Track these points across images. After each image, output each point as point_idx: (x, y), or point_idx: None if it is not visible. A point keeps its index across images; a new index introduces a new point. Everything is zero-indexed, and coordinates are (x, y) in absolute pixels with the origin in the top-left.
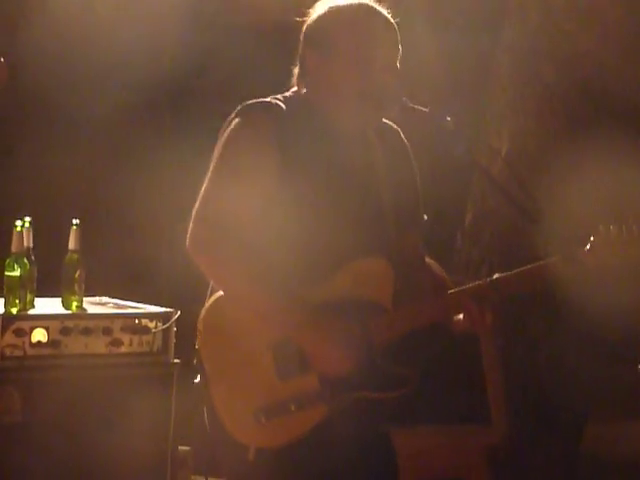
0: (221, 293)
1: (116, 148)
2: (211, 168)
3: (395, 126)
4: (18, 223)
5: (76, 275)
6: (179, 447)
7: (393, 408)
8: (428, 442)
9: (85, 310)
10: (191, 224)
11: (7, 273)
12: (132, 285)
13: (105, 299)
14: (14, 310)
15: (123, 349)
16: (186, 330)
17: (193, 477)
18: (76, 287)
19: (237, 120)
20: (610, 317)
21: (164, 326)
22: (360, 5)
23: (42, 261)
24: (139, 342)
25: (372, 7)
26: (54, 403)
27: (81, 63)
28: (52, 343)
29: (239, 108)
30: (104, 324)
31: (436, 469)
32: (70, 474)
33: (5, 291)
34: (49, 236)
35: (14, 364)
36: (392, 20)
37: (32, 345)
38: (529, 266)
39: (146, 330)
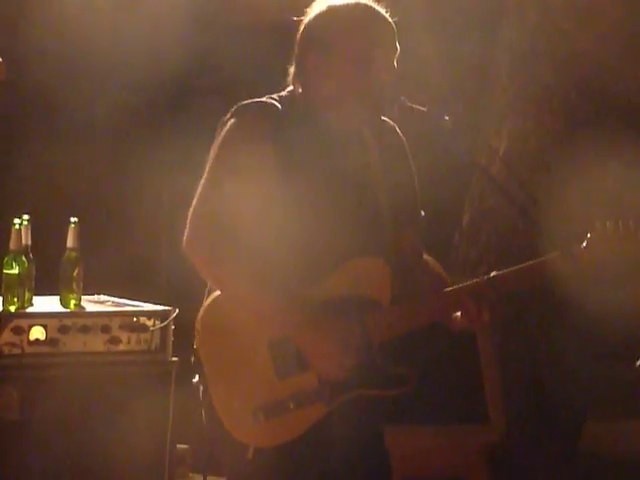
0: (219, 292)
1: (116, 147)
2: (207, 168)
3: (391, 122)
4: (17, 221)
5: (74, 273)
6: (177, 445)
7: (391, 407)
8: (426, 442)
9: (83, 308)
10: (187, 224)
11: (5, 271)
12: (131, 283)
13: (103, 297)
14: (12, 308)
15: (121, 347)
16: (184, 328)
17: (191, 475)
18: (74, 285)
19: (233, 120)
20: (609, 315)
21: (162, 324)
22: (358, 4)
23: (40, 259)
24: (137, 340)
25: (370, 6)
26: (52, 401)
27: (81, 63)
28: (50, 341)
29: (234, 108)
30: (102, 322)
31: (435, 469)
32: (68, 472)
33: (3, 289)
34: (48, 234)
35: (12, 362)
36: (390, 19)
37: (30, 343)
38: (526, 263)
39: (144, 328)
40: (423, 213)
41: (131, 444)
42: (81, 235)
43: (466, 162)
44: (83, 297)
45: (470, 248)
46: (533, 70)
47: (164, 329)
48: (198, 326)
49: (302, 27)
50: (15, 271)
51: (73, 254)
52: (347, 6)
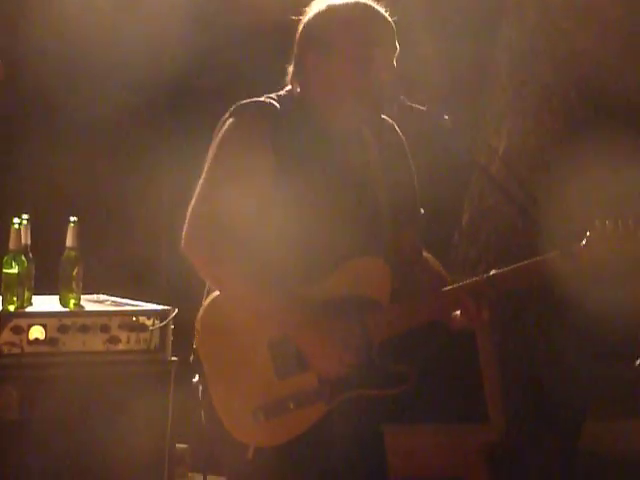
0: (218, 292)
1: (115, 147)
2: (206, 168)
3: (390, 120)
4: (16, 221)
5: (74, 273)
6: (176, 445)
7: (391, 407)
8: (426, 441)
9: (83, 308)
10: (186, 224)
11: (5, 270)
12: (131, 283)
13: (103, 297)
14: (12, 307)
15: (121, 347)
16: (184, 328)
17: (190, 475)
18: (74, 285)
19: (231, 120)
20: (608, 314)
21: (161, 324)
22: (357, 4)
23: (40, 259)
24: (136, 340)
25: (370, 5)
26: (52, 401)
27: (81, 63)
28: (50, 341)
29: (233, 108)
30: (102, 322)
31: (434, 468)
32: (68, 471)
33: (3, 289)
34: (47, 234)
35: (12, 362)
36: (389, 19)
37: (30, 343)
38: (525, 262)
39: (143, 328)
40: (422, 211)
41: (130, 443)
42: (81, 234)
43: (465, 161)
44: (82, 296)
45: (469, 247)
46: (533, 69)
47: (163, 328)
48: (198, 326)
49: (301, 26)
50: (14, 270)
51: (72, 253)
52: (346, 5)
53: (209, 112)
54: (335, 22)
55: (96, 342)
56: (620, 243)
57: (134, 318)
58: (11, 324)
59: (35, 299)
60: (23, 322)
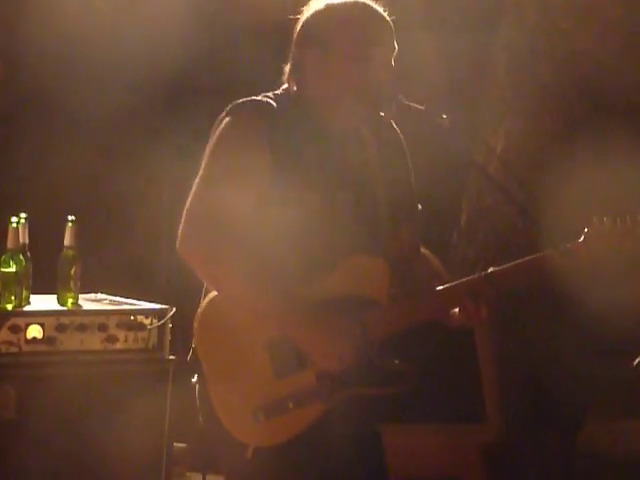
0: (216, 292)
1: (114, 146)
2: (202, 167)
3: (388, 118)
4: (14, 219)
5: (72, 272)
6: (174, 444)
7: (390, 406)
8: (424, 441)
9: (81, 306)
10: (182, 224)
11: (3, 269)
12: (129, 282)
13: (101, 296)
14: (9, 306)
15: (118, 345)
16: (182, 327)
17: (188, 474)
18: (72, 284)
19: (228, 119)
20: (609, 312)
21: (159, 323)
22: (356, 3)
23: (38, 257)
24: (134, 339)
25: (368, 5)
26: (49, 400)
27: (80, 62)
28: (47, 339)
29: (229, 107)
30: (99, 320)
31: (432, 468)
32: (65, 470)
33: (0, 287)
34: (45, 233)
35: (9, 360)
36: (388, 18)
37: (27, 341)
38: (524, 259)
39: (141, 327)
40: (420, 207)
41: (128, 443)
42: (79, 233)
43: (464, 161)
44: (80, 295)
45: (468, 247)
46: (532, 69)
47: (161, 327)
48: (196, 325)
49: (299, 25)
50: (12, 269)
51: (70, 252)
52: (345, 4)
53: (208, 112)
54: (333, 21)
55: (94, 341)
56: (618, 240)
57: (132, 317)
58: (9, 323)
59: (33, 298)
60: (21, 321)
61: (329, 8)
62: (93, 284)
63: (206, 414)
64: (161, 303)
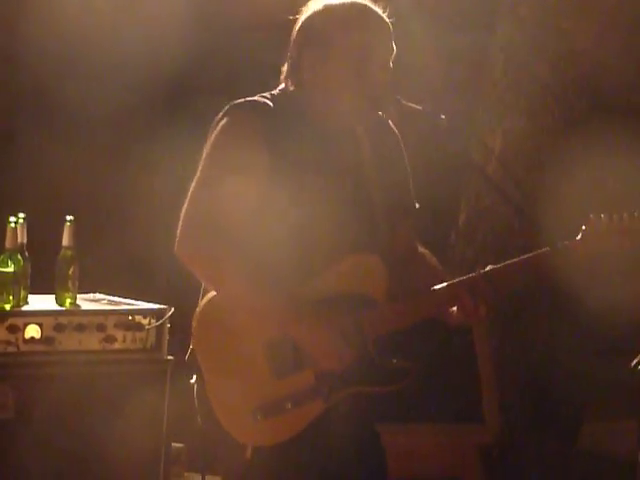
0: (214, 293)
1: (113, 146)
2: (199, 168)
3: (384, 116)
4: (12, 219)
5: (70, 272)
6: (173, 444)
7: (390, 405)
8: (423, 441)
9: (79, 306)
10: (180, 226)
11: (1, 269)
12: (127, 282)
13: (99, 296)
14: (7, 306)
15: (117, 345)
16: (180, 327)
17: (187, 474)
18: (70, 284)
19: (224, 120)
20: (607, 311)
21: (157, 323)
22: (354, 4)
23: (36, 257)
24: (133, 339)
25: (366, 6)
26: (47, 399)
27: (80, 62)
28: (46, 339)
29: (227, 108)
30: (98, 320)
31: (431, 468)
32: (64, 470)
33: None
34: (43, 232)
35: (7, 360)
36: (386, 19)
37: (25, 341)
38: (522, 257)
39: (140, 327)
40: (418, 205)
41: (127, 442)
42: (77, 233)
43: (462, 161)
44: (79, 295)
45: (466, 247)
46: (530, 69)
47: (160, 328)
48: (195, 325)
49: (298, 26)
50: (11, 269)
51: (69, 252)
52: (343, 5)
53: (208, 112)
54: (332, 22)
55: (92, 341)
56: (616, 238)
57: (130, 317)
58: (7, 323)
59: (31, 298)
60: (19, 321)
61: (328, 9)
62: (91, 284)
63: (204, 414)
64: (159, 303)
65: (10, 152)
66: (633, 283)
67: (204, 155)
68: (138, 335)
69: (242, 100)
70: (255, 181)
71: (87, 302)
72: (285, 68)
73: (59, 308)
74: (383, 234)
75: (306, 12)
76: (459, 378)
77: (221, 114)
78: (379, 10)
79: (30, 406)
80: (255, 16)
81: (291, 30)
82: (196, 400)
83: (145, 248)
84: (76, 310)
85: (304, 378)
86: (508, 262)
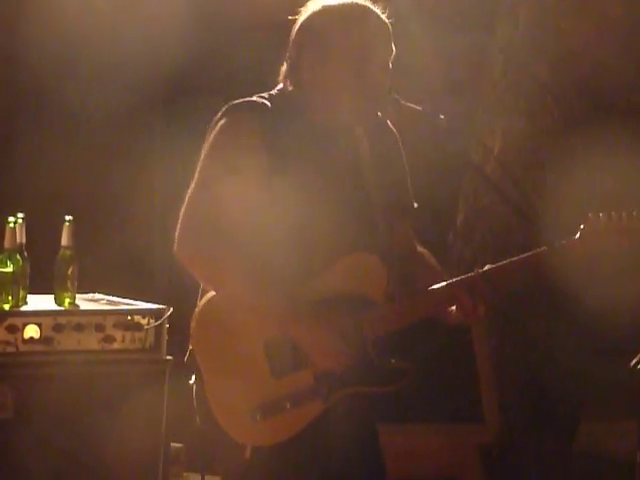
0: (213, 293)
1: (111, 146)
2: (198, 169)
3: (383, 116)
4: (11, 219)
5: (69, 272)
6: (171, 444)
7: (389, 405)
8: (422, 441)
9: (78, 306)
10: (178, 227)
11: (0, 269)
12: (126, 282)
13: (98, 296)
14: (6, 306)
15: (115, 345)
16: (179, 327)
17: (185, 474)
18: (69, 284)
19: (222, 121)
20: (606, 310)
21: (156, 323)
22: (353, 4)
23: (35, 257)
24: (131, 339)
25: (366, 6)
26: (46, 400)
27: (80, 62)
28: (45, 339)
29: (224, 109)
30: (97, 320)
31: (430, 468)
32: (63, 470)
33: None
34: (42, 232)
35: (6, 360)
36: (386, 20)
37: (24, 341)
38: (520, 256)
39: (138, 327)
40: (416, 205)
41: (126, 442)
42: (77, 233)
43: (460, 161)
44: (78, 295)
45: (465, 247)
46: (529, 69)
47: (158, 327)
48: (193, 325)
49: (297, 26)
50: (9, 269)
51: (68, 252)
52: (343, 6)
53: (208, 112)
54: (331, 22)
55: (91, 341)
56: (614, 237)
57: (129, 317)
58: (6, 323)
59: (30, 298)
60: (18, 321)
61: (327, 9)
62: (90, 284)
63: (203, 415)
64: (158, 303)
65: (9, 152)
66: (632, 282)
67: (202, 156)
68: (137, 335)
69: (239, 101)
70: (253, 181)
71: (86, 302)
72: (284, 68)
73: (58, 308)
74: (382, 234)
75: (305, 12)
76: (458, 378)
77: (219, 115)
78: (378, 11)
79: (29, 406)
80: (255, 16)
81: (291, 30)
82: (195, 401)
83: (144, 248)
84: (75, 310)
85: (303, 378)
86: (506, 261)
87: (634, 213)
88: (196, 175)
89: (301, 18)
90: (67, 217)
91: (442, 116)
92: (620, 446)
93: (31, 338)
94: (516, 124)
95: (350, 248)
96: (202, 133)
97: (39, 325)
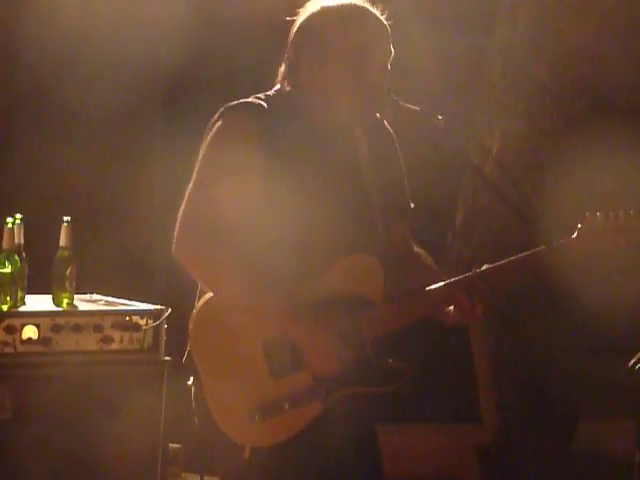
0: (211, 294)
1: (111, 146)
2: (196, 170)
3: (378, 115)
4: (9, 220)
5: (67, 272)
6: (170, 444)
7: (387, 405)
8: (421, 441)
9: (76, 307)
10: (177, 228)
11: None
12: (125, 283)
13: (96, 296)
14: (5, 307)
15: (114, 346)
16: (178, 328)
17: (184, 475)
18: (67, 284)
19: (219, 122)
20: (604, 309)
21: (155, 323)
22: (352, 6)
23: (33, 258)
24: (130, 339)
25: (364, 8)
26: (45, 400)
27: (80, 62)
28: (43, 340)
29: (221, 110)
30: (95, 321)
31: (429, 468)
32: (61, 471)
33: None
34: (40, 233)
35: (5, 361)
36: (384, 21)
37: (23, 342)
38: (518, 256)
39: (137, 327)
40: (412, 205)
41: (124, 443)
42: (75, 234)
43: (459, 161)
44: (76, 296)
45: (463, 247)
46: (528, 70)
47: (157, 328)
48: (191, 326)
49: (295, 27)
50: (8, 270)
51: (66, 253)
52: (342, 7)
53: (207, 112)
54: (330, 23)
55: (89, 342)
56: (611, 236)
57: (127, 318)
58: (4, 324)
59: (28, 298)
60: (16, 322)
61: (325, 10)
62: (88, 285)
63: (202, 416)
64: (157, 304)
65: (8, 152)
66: (630, 281)
67: (200, 157)
68: (135, 336)
69: (236, 102)
70: (251, 182)
71: (84, 303)
72: (282, 69)
73: (56, 309)
74: (381, 235)
75: (304, 13)
76: (456, 378)
77: (216, 116)
78: (377, 12)
79: (27, 407)
80: (255, 16)
81: (289, 30)
82: (193, 402)
83: (144, 248)
84: (73, 311)
85: (302, 379)
86: (504, 261)
87: (631, 212)
88: (194, 176)
89: (300, 19)
90: (65, 218)
91: (440, 117)
92: (618, 446)
93: (29, 339)
94: (515, 125)
95: (349, 249)
96: (202, 133)
97: (37, 326)
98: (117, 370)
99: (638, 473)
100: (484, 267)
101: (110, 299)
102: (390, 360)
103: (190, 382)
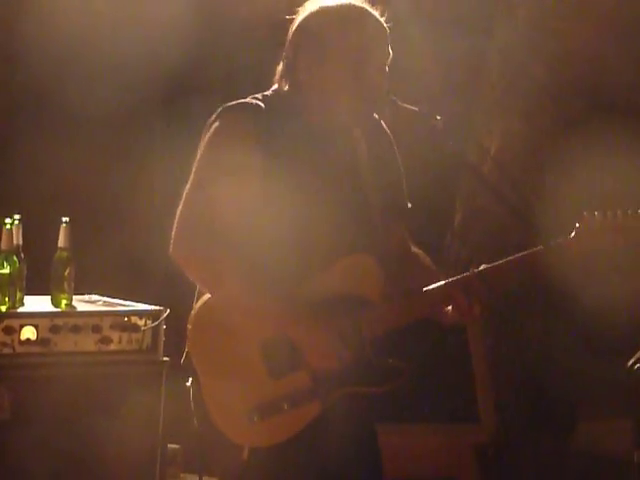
0: (209, 295)
1: (111, 146)
2: (193, 170)
3: (376, 115)
4: (7, 221)
5: (66, 273)
6: (168, 445)
7: (386, 405)
8: (419, 441)
9: (74, 308)
10: (174, 229)
11: None
12: (123, 283)
13: (95, 297)
14: (3, 308)
15: (112, 347)
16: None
17: (182, 475)
18: (65, 285)
19: (217, 122)
20: (602, 309)
21: (153, 324)
22: (351, 6)
23: (32, 259)
24: (128, 340)
25: (363, 9)
26: (43, 401)
27: (80, 62)
28: (41, 341)
29: (219, 110)
30: (93, 322)
31: (427, 468)
32: (60, 471)
33: None
34: (39, 234)
35: (3, 362)
36: (383, 21)
37: (21, 343)
38: (515, 256)
39: (135, 328)
40: (410, 205)
41: (122, 443)
42: (75, 234)
43: (457, 162)
44: (74, 297)
45: (461, 248)
46: (527, 70)
47: (155, 329)
48: (190, 327)
49: (294, 27)
50: (6, 271)
51: (64, 254)
52: (341, 7)
53: (207, 112)
54: (329, 24)
55: (88, 342)
56: (609, 235)
57: (126, 318)
58: (2, 324)
59: (27, 299)
60: (15, 322)
61: (324, 10)
62: (87, 285)
63: (200, 417)
64: (155, 304)
65: (8, 152)
66: (628, 281)
67: (197, 157)
68: (134, 336)
69: (233, 102)
70: (248, 182)
71: (83, 303)
72: (280, 68)
73: (55, 309)
74: (380, 236)
75: (302, 13)
76: (454, 378)
77: (213, 117)
78: (376, 12)
79: (26, 407)
80: (255, 16)
81: (288, 30)
82: (192, 403)
83: (142, 249)
84: (72, 311)
85: (301, 379)
86: (502, 261)
87: (629, 211)
88: (191, 176)
89: (298, 18)
90: (64, 218)
91: (438, 117)
92: (617, 445)
93: (28, 339)
94: (514, 125)
95: (348, 249)
96: (201, 132)
97: (36, 326)
98: (116, 371)
99: (637, 473)
100: (482, 267)
101: (109, 300)
102: (389, 360)
103: (189, 383)
